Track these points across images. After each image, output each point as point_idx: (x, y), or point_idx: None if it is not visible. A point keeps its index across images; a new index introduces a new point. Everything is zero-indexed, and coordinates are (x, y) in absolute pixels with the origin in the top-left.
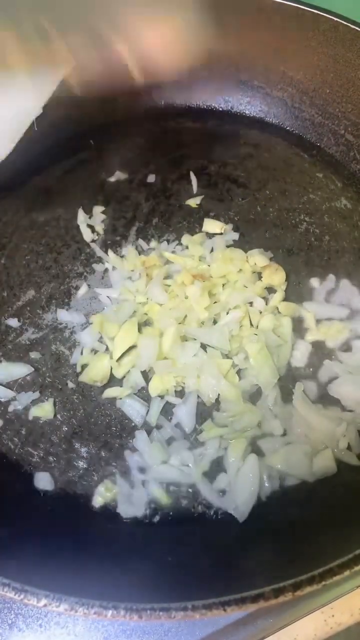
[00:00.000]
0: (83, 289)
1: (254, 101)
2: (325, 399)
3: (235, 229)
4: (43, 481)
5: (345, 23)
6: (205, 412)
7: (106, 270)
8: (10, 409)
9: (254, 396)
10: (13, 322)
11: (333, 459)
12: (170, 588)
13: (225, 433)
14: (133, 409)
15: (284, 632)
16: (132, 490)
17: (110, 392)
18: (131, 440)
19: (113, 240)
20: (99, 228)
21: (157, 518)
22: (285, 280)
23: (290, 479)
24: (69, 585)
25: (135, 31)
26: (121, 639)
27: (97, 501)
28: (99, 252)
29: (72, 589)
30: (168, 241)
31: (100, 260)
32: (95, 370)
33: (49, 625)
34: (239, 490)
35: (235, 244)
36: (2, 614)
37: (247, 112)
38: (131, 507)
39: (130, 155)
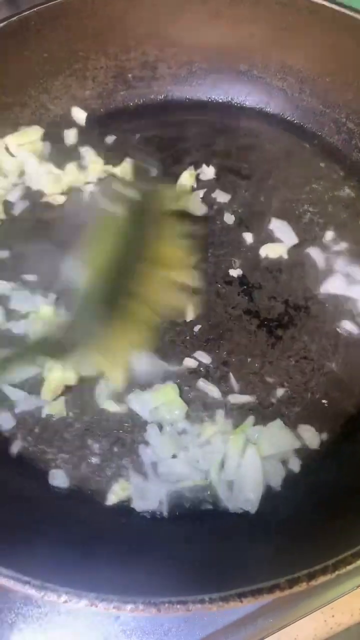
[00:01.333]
0: None
1: (254, 92)
2: None
3: (239, 221)
4: (58, 478)
5: (344, 11)
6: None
7: None
8: (23, 408)
9: None
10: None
11: None
12: (187, 581)
13: (222, 430)
14: (139, 404)
15: (284, 632)
16: (146, 484)
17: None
18: (143, 434)
19: None
20: None
21: (171, 512)
22: None
23: (293, 463)
24: (87, 581)
25: None
26: (121, 639)
27: (112, 499)
28: None
29: (91, 585)
30: None
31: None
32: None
33: (49, 626)
34: (245, 483)
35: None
36: (2, 614)
37: (247, 103)
38: (145, 501)
39: (131, 151)
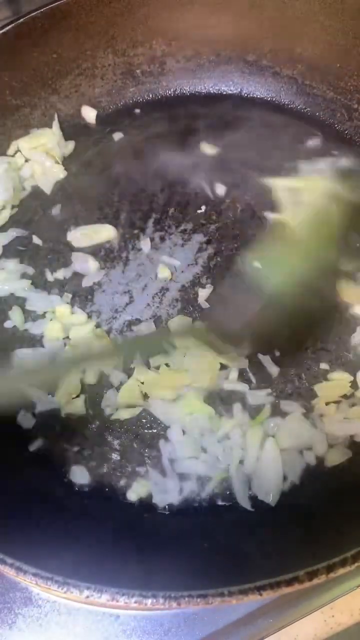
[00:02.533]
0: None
1: (263, 82)
2: None
3: (252, 214)
4: (78, 475)
5: None
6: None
7: (126, 265)
8: (42, 408)
9: None
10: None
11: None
12: (207, 574)
13: (240, 423)
14: (162, 412)
15: (284, 632)
16: (165, 480)
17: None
18: (163, 432)
19: (131, 234)
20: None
21: (191, 506)
22: None
23: (312, 455)
24: (107, 576)
25: None
26: (121, 639)
27: (131, 496)
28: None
29: (112, 580)
30: (184, 231)
31: (119, 256)
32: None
33: (49, 626)
34: (265, 476)
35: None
36: (2, 614)
37: (257, 93)
38: (165, 496)
39: (143, 146)
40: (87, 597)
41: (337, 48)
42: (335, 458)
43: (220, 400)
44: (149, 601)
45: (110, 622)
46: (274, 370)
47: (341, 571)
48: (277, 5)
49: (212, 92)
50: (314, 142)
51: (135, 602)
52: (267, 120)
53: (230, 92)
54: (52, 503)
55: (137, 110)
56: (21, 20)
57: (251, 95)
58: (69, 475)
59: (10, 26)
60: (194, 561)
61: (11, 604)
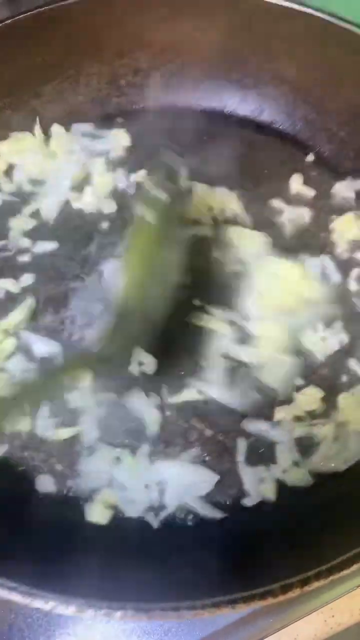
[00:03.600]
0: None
1: (246, 100)
2: None
3: None
4: (45, 484)
5: (335, 22)
6: None
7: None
8: None
9: None
10: None
11: None
12: (179, 587)
13: None
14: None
15: (284, 632)
16: (130, 493)
17: None
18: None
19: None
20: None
21: (161, 520)
22: None
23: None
24: (75, 588)
25: None
26: (121, 639)
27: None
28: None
29: (80, 591)
30: None
31: (97, 261)
32: None
33: (49, 626)
34: None
35: None
36: (2, 614)
37: (239, 111)
38: (133, 507)
39: (126, 161)
40: (52, 608)
41: (320, 71)
42: (296, 478)
43: None
44: (118, 613)
45: (110, 623)
46: None
47: (315, 584)
48: (263, 26)
49: (194, 107)
50: (292, 162)
51: (104, 614)
52: (248, 138)
53: (212, 108)
54: (18, 512)
55: (120, 120)
56: (7, 21)
57: (234, 114)
58: (35, 484)
59: None
60: (166, 573)
61: (11, 604)
